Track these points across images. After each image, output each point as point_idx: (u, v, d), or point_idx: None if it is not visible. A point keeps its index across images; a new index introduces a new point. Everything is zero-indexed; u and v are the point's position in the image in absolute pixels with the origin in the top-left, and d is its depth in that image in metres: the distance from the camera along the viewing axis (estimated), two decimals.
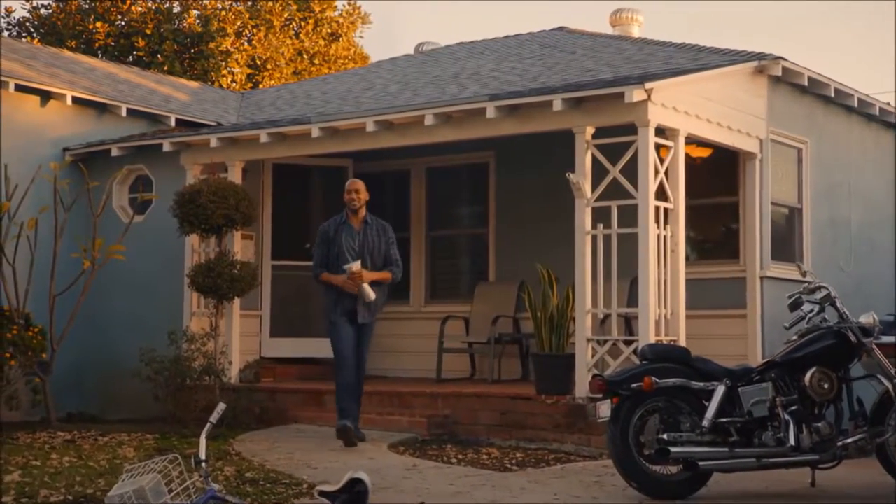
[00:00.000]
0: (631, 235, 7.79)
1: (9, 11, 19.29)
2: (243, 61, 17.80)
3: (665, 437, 5.49)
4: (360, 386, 7.77)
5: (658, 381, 5.52)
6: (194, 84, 14.22)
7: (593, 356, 7.90)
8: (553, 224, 9.77)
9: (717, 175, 9.26)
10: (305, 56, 18.76)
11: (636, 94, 7.55)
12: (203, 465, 4.06)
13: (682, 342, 7.93)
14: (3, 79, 9.82)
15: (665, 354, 5.72)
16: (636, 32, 13.00)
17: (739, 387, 5.60)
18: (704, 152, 9.27)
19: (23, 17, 19.10)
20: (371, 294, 7.56)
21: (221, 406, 4.28)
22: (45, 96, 10.28)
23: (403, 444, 7.77)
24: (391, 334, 10.42)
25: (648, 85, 7.55)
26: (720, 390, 5.54)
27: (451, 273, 11.14)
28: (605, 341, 7.93)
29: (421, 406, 8.55)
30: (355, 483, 3.87)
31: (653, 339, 7.69)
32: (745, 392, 5.57)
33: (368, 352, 7.91)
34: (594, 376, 5.69)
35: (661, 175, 7.87)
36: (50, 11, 18.57)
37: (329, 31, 19.18)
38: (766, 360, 5.85)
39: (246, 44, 18.18)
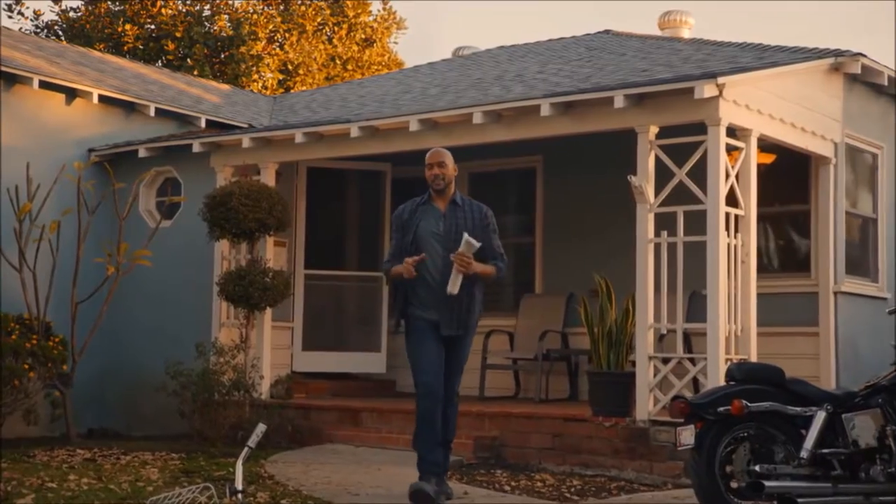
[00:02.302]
0: (692, 245, 7.15)
1: (37, 14, 18.92)
2: (275, 66, 17.33)
3: (757, 468, 4.84)
4: (452, 425, 5.83)
5: (749, 404, 4.88)
6: (225, 87, 13.72)
7: (655, 375, 7.26)
8: (605, 233, 9.16)
9: (784, 182, 8.60)
10: (338, 62, 18.26)
11: (707, 90, 6.93)
12: (240, 496, 3.46)
13: (753, 360, 7.27)
14: (27, 75, 9.34)
15: (755, 374, 5.07)
16: (686, 36, 12.37)
17: (842, 413, 4.94)
18: (768, 158, 8.61)
19: (51, 21, 18.76)
20: (455, 287, 5.56)
21: (261, 428, 3.68)
22: (71, 94, 9.79)
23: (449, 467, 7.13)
24: None
25: (721, 79, 6.92)
26: (820, 416, 4.89)
27: (494, 285, 10.39)
28: (669, 359, 7.28)
29: (466, 426, 7.89)
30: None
31: (722, 358, 7.04)
32: (848, 419, 4.91)
33: (460, 379, 5.92)
34: (675, 398, 5.06)
35: (732, 179, 7.23)
36: (79, 14, 18.20)
37: (363, 36, 18.68)
38: (868, 383, 5.18)
39: (277, 48, 17.72)
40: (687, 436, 4.92)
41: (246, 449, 3.58)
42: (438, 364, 5.62)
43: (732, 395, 4.92)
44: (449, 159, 5.80)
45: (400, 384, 9.94)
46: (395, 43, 19.62)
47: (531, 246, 9.99)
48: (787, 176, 8.53)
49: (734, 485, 4.92)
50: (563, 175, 9.63)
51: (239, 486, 3.48)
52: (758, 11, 36.30)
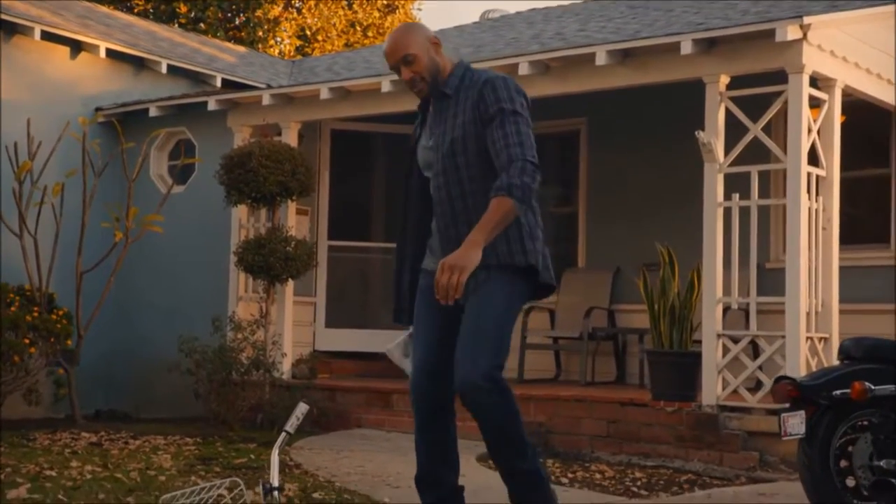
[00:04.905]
0: (759, 210, 6.39)
1: None
2: (292, 31, 16.52)
3: (882, 464, 4.08)
4: (447, 421, 3.54)
5: (872, 387, 4.10)
6: (241, 48, 12.94)
7: (724, 355, 6.50)
8: (658, 202, 8.37)
9: (860, 143, 7.79)
10: (359, 28, 17.43)
11: (790, 31, 6.13)
12: (276, 494, 2.72)
13: (835, 339, 6.51)
14: (28, 24, 8.59)
15: (878, 352, 4.29)
16: None
17: None
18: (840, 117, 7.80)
19: None
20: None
21: (303, 409, 2.94)
22: (76, 48, 9.03)
23: None
24: None
25: (807, 19, 6.12)
26: None
27: None
28: (740, 338, 6.51)
29: None
30: None
31: (803, 336, 6.28)
32: None
33: (486, 357, 3.29)
34: (780, 379, 4.30)
35: (814, 134, 6.44)
36: None
37: (385, 2, 17.84)
38: None
39: (295, 13, 16.90)
40: (796, 424, 4.15)
41: (283, 435, 2.84)
42: (433, 346, 3.44)
43: (852, 377, 4.15)
44: (416, 44, 3.43)
45: None
46: (419, 10, 18.80)
47: (573, 217, 9.21)
48: (864, 136, 7.71)
49: (850, 482, 4.16)
50: (610, 138, 8.83)
51: (275, 481, 2.74)
52: None
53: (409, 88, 3.53)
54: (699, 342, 6.65)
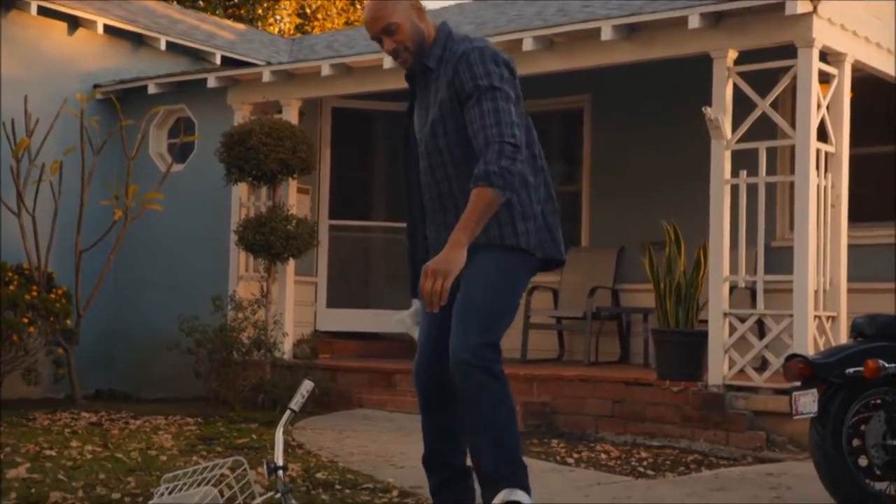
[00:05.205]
0: (765, 188, 6.31)
1: None
2: (291, 9, 16.38)
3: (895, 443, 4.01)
4: (480, 438, 3.17)
5: (886, 365, 4.03)
6: (241, 26, 12.79)
7: (731, 334, 6.43)
8: (663, 181, 8.28)
9: (868, 119, 7.69)
10: (358, 6, 17.28)
11: (800, 5, 6.03)
12: (281, 473, 2.66)
13: (843, 318, 6.45)
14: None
15: (890, 330, 4.21)
16: None
17: None
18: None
19: None
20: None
21: (308, 386, 2.87)
22: (73, 23, 8.90)
23: None
24: None
25: None
26: None
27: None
28: (747, 316, 6.44)
29: (514, 392, 7.08)
30: None
31: (811, 315, 6.21)
32: None
33: (475, 335, 3.12)
34: (792, 357, 4.22)
35: (823, 110, 6.34)
36: None
37: None
38: None
39: None
40: (807, 402, 4.08)
41: (288, 413, 2.78)
42: (435, 328, 3.25)
43: (865, 354, 4.07)
44: (398, 12, 3.20)
45: None
46: None
47: (577, 195, 9.12)
48: (870, 112, 7.61)
49: (863, 462, 4.10)
50: (615, 115, 8.73)
51: (280, 460, 2.67)
52: None
53: (392, 59, 3.31)
54: (705, 321, 6.59)
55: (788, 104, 7.05)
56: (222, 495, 2.79)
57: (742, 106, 6.45)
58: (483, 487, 3.12)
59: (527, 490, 3.06)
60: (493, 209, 3.04)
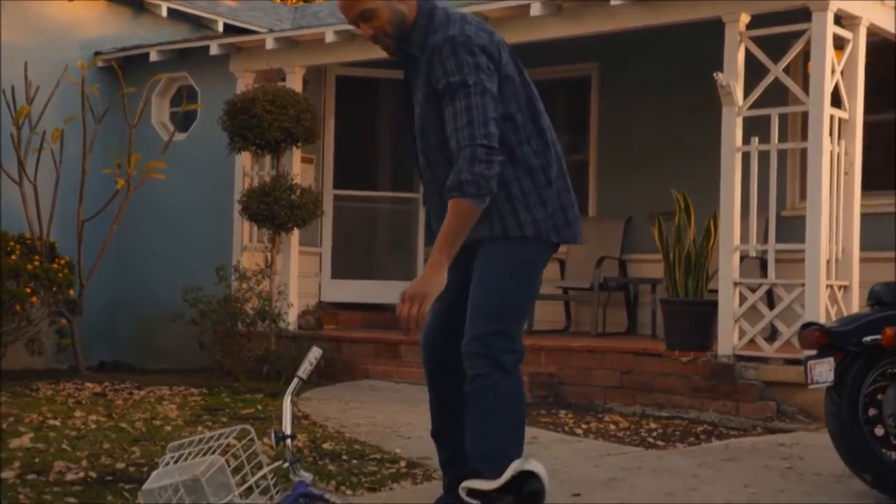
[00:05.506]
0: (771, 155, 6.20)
1: None
2: None
3: None
4: (478, 430, 3.06)
5: None
6: None
7: (741, 304, 6.35)
8: (671, 150, 8.17)
9: (876, 86, 7.55)
10: None
11: None
12: (289, 442, 2.59)
13: (855, 287, 6.36)
14: None
15: None
16: None
17: None
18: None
19: None
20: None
21: (316, 352, 2.79)
22: None
23: None
24: None
25: None
26: None
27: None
28: (759, 285, 6.36)
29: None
30: (525, 480, 2.39)
31: (823, 284, 6.13)
32: None
33: (484, 322, 3.04)
34: (808, 325, 4.14)
35: (837, 75, 6.22)
36: None
37: None
38: None
39: None
40: (824, 371, 4.00)
41: (296, 380, 2.71)
42: (445, 302, 3.09)
43: (883, 322, 3.98)
44: None
45: None
46: None
47: (584, 165, 9.01)
48: (882, 79, 7.48)
49: (879, 431, 4.02)
50: (623, 83, 8.60)
51: (288, 428, 2.60)
52: None
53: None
54: (714, 291, 6.51)
55: (800, 70, 6.93)
56: (228, 465, 2.73)
57: (754, 72, 6.33)
58: (461, 476, 3.01)
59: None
60: (472, 219, 2.91)
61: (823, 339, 4.03)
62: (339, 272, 9.16)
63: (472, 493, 2.45)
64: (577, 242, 3.19)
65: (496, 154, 2.88)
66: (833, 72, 6.16)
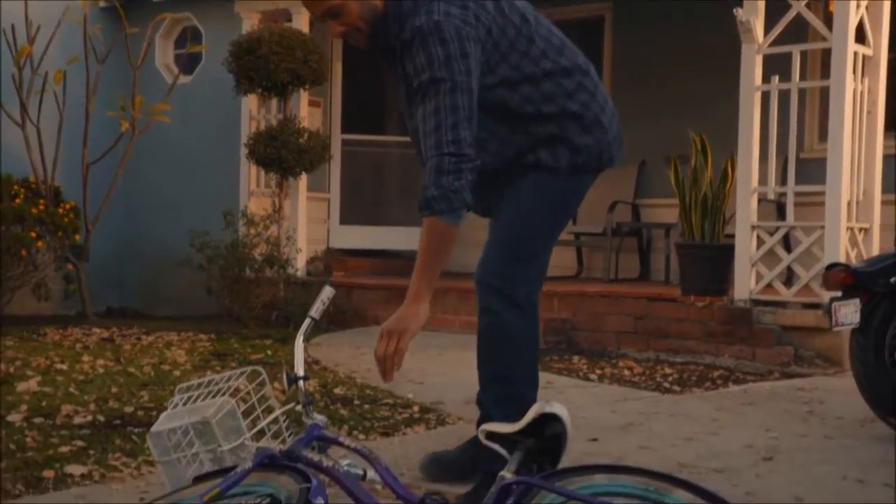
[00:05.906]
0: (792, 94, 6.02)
1: None
2: None
3: None
4: (486, 356, 3.05)
5: None
6: None
7: (759, 248, 6.22)
8: (686, 93, 7.97)
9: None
10: None
11: None
12: (301, 383, 2.50)
13: (876, 230, 6.22)
14: None
15: None
16: None
17: None
18: None
19: None
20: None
21: (329, 292, 2.68)
22: None
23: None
24: (481, 225, 8.73)
25: None
26: None
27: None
28: (777, 228, 6.23)
29: None
30: (546, 422, 2.29)
31: (843, 227, 5.98)
32: None
33: (497, 265, 3.00)
34: (833, 266, 4.02)
35: (862, 10, 6.02)
36: None
37: None
38: None
39: None
40: (849, 313, 3.89)
41: (308, 320, 2.60)
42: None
43: None
44: None
45: (449, 262, 8.94)
46: None
47: None
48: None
49: None
50: (638, 22, 8.38)
51: (300, 370, 2.50)
52: None
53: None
54: (731, 235, 6.38)
55: (821, 6, 6.72)
56: (238, 408, 2.64)
57: (774, 8, 6.13)
58: (479, 420, 2.93)
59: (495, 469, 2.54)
60: (450, 236, 2.69)
61: (849, 279, 3.92)
62: (347, 218, 9.05)
63: (491, 436, 2.34)
64: (611, 163, 3.09)
65: (466, 161, 2.62)
66: (858, 7, 5.95)
